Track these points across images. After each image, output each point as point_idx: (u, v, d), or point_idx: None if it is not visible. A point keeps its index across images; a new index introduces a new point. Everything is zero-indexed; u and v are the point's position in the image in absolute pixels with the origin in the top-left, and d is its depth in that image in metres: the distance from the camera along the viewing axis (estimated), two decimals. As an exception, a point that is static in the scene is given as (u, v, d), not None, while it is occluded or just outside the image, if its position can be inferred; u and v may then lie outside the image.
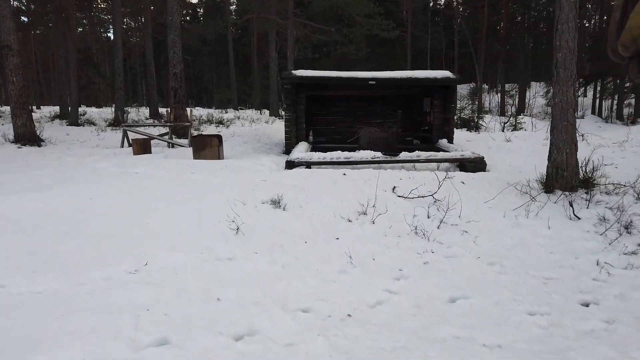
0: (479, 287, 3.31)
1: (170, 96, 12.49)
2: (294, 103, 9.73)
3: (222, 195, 5.36)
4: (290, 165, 7.12)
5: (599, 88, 23.91)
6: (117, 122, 16.96)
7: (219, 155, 8.25)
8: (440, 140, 9.27)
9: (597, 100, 26.22)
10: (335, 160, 7.06)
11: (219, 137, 8.46)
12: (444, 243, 4.18)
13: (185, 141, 11.40)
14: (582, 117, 23.69)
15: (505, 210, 4.89)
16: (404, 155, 7.08)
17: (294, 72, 9.52)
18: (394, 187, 5.50)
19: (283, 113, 24.55)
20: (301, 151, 7.66)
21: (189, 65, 42.75)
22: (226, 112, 26.40)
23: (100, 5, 45.37)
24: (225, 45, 34.15)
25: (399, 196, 5.21)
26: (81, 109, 27.30)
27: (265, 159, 8.30)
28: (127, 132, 10.86)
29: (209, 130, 15.63)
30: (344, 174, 6.44)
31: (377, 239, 4.25)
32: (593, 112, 27.40)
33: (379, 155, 7.10)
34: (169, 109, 13.18)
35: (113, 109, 20.51)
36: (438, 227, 4.50)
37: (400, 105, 11.68)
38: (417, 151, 7.27)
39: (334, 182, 5.84)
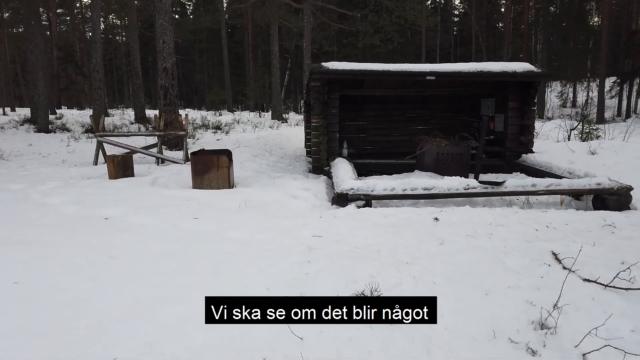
0: None
1: (160, 97, 10.01)
2: (324, 106, 7.34)
3: (255, 273, 2.97)
4: (342, 200, 4.74)
5: (635, 88, 21.85)
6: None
7: (229, 181, 5.83)
8: (524, 156, 6.95)
9: (627, 100, 24.25)
10: (410, 192, 4.68)
11: (228, 154, 6.04)
12: None
13: (179, 155, 8.94)
14: (623, 119, 21.68)
15: None
16: (512, 184, 4.73)
17: (324, 64, 7.13)
18: (557, 256, 3.14)
19: (286, 116, 22.16)
20: (350, 176, 5.27)
21: (178, 65, 40.06)
22: (220, 115, 23.94)
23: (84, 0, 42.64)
24: (216, 42, 31.65)
25: (588, 280, 2.84)
26: (59, 111, 24.65)
27: (295, 185, 5.89)
28: (104, 143, 8.35)
29: (206, 137, 13.17)
30: (436, 219, 4.08)
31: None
32: (619, 114, 25.46)
33: (473, 184, 4.75)
34: (157, 113, 10.72)
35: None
36: None
37: (447, 108, 9.37)
38: (530, 178, 4.94)
39: (441, 242, 3.46)
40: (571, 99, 33.16)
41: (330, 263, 3.07)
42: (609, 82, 24.18)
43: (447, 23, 34.26)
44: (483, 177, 6.39)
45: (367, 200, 4.75)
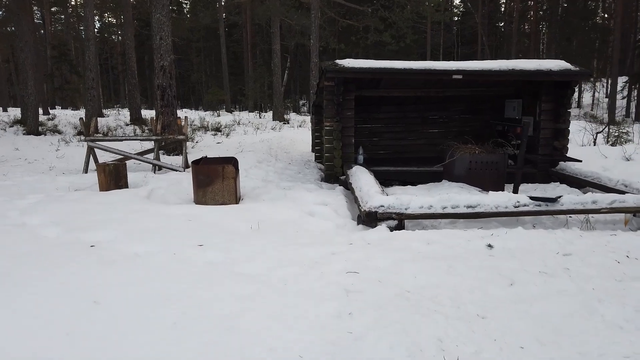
0: None
1: (157, 97, 9.29)
2: (338, 107, 6.66)
3: (282, 331, 2.28)
4: (371, 219, 4.05)
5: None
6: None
7: (236, 195, 5.12)
8: (563, 164, 6.29)
9: (636, 101, 23.68)
10: (451, 211, 4.01)
11: (234, 163, 5.35)
12: None
13: (178, 160, 8.24)
14: (633, 121, 21.07)
15: None
16: (568, 201, 4.06)
17: (340, 62, 6.45)
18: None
19: (287, 117, 21.43)
20: (376, 190, 4.59)
21: (175, 65, 39.16)
22: (219, 115, 23.23)
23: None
24: (214, 41, 30.89)
25: None
26: (53, 112, 23.88)
27: (310, 199, 5.19)
28: (95, 149, 7.62)
29: (206, 140, 12.46)
30: (490, 246, 3.41)
31: None
32: (627, 115, 24.90)
33: (524, 200, 4.07)
34: (154, 115, 9.99)
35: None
36: None
37: (466, 110, 8.70)
38: (589, 193, 4.27)
39: (510, 282, 2.78)
40: (576, 100, 32.61)
41: (379, 317, 2.37)
42: (618, 82, 23.60)
43: (449, 22, 33.66)
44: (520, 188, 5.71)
45: (400, 219, 4.06)
